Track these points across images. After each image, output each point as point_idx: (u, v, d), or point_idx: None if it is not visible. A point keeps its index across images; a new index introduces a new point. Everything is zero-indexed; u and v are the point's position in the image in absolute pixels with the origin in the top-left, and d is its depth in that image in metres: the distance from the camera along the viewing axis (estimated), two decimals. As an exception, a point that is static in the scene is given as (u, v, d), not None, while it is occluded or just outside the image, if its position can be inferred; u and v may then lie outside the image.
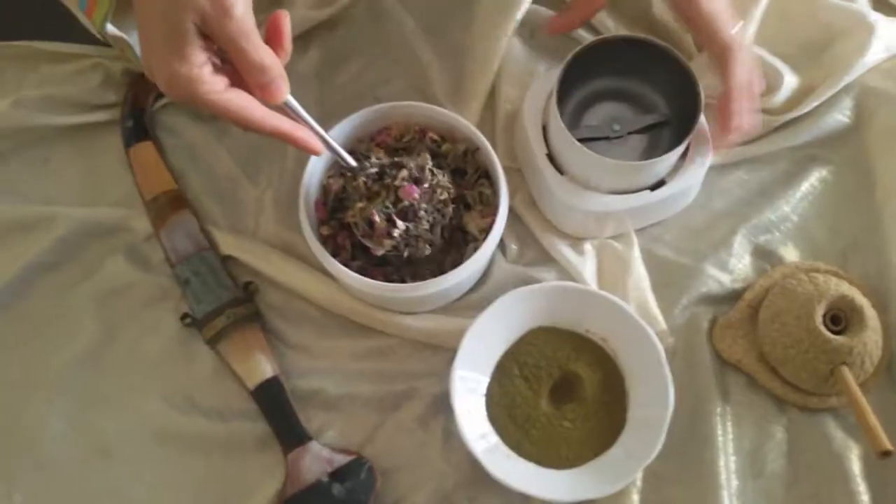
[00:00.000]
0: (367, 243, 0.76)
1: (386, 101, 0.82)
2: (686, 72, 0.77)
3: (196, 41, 0.61)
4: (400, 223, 0.75)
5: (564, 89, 0.79)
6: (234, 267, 0.84)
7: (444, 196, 0.77)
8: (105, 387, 0.80)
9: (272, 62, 0.64)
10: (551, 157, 0.81)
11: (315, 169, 0.80)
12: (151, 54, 0.63)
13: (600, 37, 0.80)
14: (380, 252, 0.76)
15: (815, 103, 0.85)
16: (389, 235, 0.75)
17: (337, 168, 0.82)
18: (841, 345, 0.75)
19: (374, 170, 0.77)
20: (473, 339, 0.75)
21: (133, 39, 0.79)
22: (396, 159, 0.78)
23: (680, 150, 0.76)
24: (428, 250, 0.77)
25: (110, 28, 0.77)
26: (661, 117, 0.81)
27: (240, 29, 0.61)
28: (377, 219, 0.75)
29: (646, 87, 0.83)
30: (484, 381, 0.77)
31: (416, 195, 0.75)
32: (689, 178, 0.80)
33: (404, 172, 0.76)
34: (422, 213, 0.76)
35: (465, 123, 0.81)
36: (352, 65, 0.92)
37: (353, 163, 0.76)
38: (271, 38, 0.65)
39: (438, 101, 0.89)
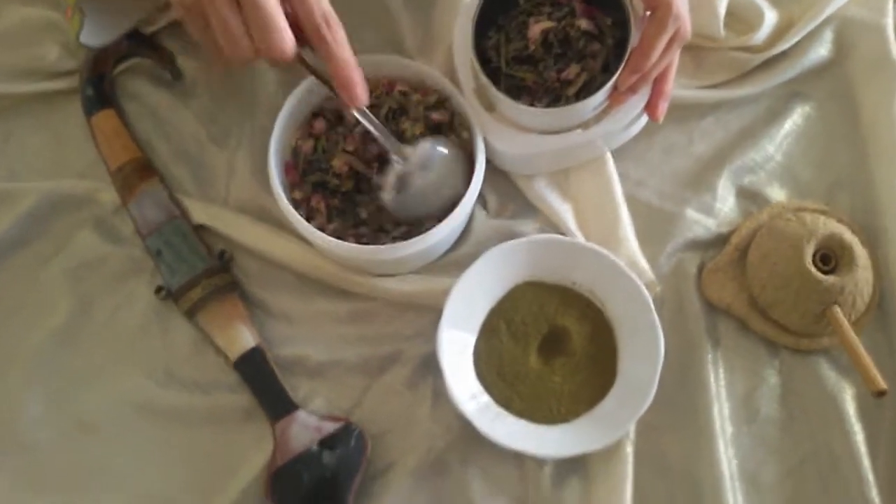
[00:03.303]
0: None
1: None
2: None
3: None
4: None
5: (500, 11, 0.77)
6: (208, 235, 0.81)
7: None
8: (83, 364, 0.78)
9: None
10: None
11: (284, 130, 0.78)
12: None
13: None
14: None
15: (796, 38, 0.83)
16: None
17: (307, 129, 0.80)
18: (832, 284, 0.73)
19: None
20: (458, 299, 0.74)
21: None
22: None
23: (606, 90, 0.73)
24: None
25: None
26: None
27: None
28: None
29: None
30: (471, 340, 0.76)
31: None
32: (623, 116, 0.77)
33: None
34: None
35: (433, 73, 0.79)
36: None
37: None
38: None
39: (409, 52, 0.86)
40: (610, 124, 0.77)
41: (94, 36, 0.82)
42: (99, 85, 0.84)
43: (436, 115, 0.79)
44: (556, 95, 0.76)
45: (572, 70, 0.76)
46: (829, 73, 0.86)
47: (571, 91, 0.76)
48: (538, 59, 0.77)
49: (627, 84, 0.73)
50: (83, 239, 0.81)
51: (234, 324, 0.76)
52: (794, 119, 0.85)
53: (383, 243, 0.75)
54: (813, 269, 0.74)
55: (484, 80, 0.75)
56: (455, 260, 0.80)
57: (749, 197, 0.83)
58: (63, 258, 0.81)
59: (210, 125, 0.85)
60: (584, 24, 0.76)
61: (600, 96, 0.74)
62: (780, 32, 0.84)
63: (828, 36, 0.85)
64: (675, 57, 0.75)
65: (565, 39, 0.76)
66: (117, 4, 0.83)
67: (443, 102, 0.79)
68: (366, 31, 0.88)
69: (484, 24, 0.77)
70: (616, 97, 0.75)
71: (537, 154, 0.79)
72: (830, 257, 0.75)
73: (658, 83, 0.76)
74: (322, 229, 0.76)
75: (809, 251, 0.74)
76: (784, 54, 0.84)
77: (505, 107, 0.76)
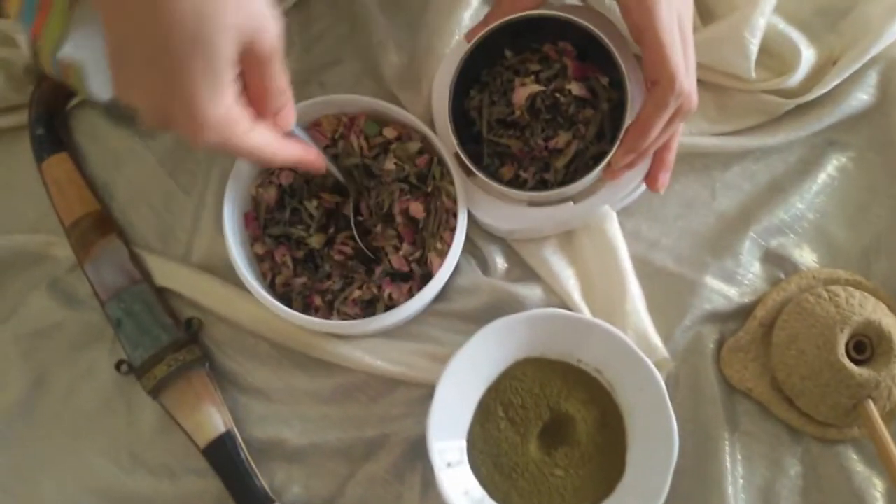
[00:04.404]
0: None
1: (331, 87, 0.75)
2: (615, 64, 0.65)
3: (232, 70, 0.49)
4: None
5: (483, 65, 0.70)
6: (173, 298, 0.73)
7: None
8: (38, 444, 0.72)
9: (287, 82, 0.55)
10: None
11: (239, 178, 0.70)
12: (169, 93, 0.48)
13: (509, 18, 0.66)
14: None
15: (836, 82, 0.73)
16: None
17: (266, 175, 0.72)
18: (867, 379, 0.66)
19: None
20: (447, 392, 0.66)
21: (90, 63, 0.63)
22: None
23: (598, 170, 0.66)
24: None
25: (66, 52, 0.61)
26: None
27: (276, 47, 0.51)
28: None
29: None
30: (463, 443, 0.69)
31: None
32: (619, 189, 0.69)
33: None
34: None
35: (406, 114, 0.71)
36: (297, 41, 0.80)
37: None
38: None
39: (388, 86, 0.77)
40: (605, 196, 0.69)
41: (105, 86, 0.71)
42: (50, 123, 0.76)
43: (418, 163, 0.71)
44: (544, 164, 0.68)
45: (561, 139, 0.67)
46: (869, 121, 0.76)
47: (561, 162, 0.67)
48: (524, 125, 0.68)
49: (623, 163, 0.65)
50: (36, 302, 0.74)
51: (203, 405, 0.69)
52: (829, 171, 0.76)
53: (355, 296, 0.70)
54: (846, 362, 0.66)
55: (462, 154, 0.67)
56: (442, 314, 0.74)
57: (776, 262, 0.74)
58: (14, 324, 0.74)
59: (174, 169, 0.77)
60: (575, 88, 0.67)
61: (593, 175, 0.66)
62: (817, 74, 0.74)
63: (871, 79, 0.75)
64: (679, 128, 0.66)
65: (554, 104, 0.67)
66: None
67: (422, 146, 0.72)
68: (345, 59, 0.79)
69: (466, 80, 0.69)
70: (611, 173, 0.66)
71: (524, 228, 0.71)
72: (865, 345, 0.68)
73: (660, 153, 0.67)
74: (288, 285, 0.71)
75: (842, 340, 0.67)
76: (820, 97, 0.75)
77: (486, 181, 0.68)
